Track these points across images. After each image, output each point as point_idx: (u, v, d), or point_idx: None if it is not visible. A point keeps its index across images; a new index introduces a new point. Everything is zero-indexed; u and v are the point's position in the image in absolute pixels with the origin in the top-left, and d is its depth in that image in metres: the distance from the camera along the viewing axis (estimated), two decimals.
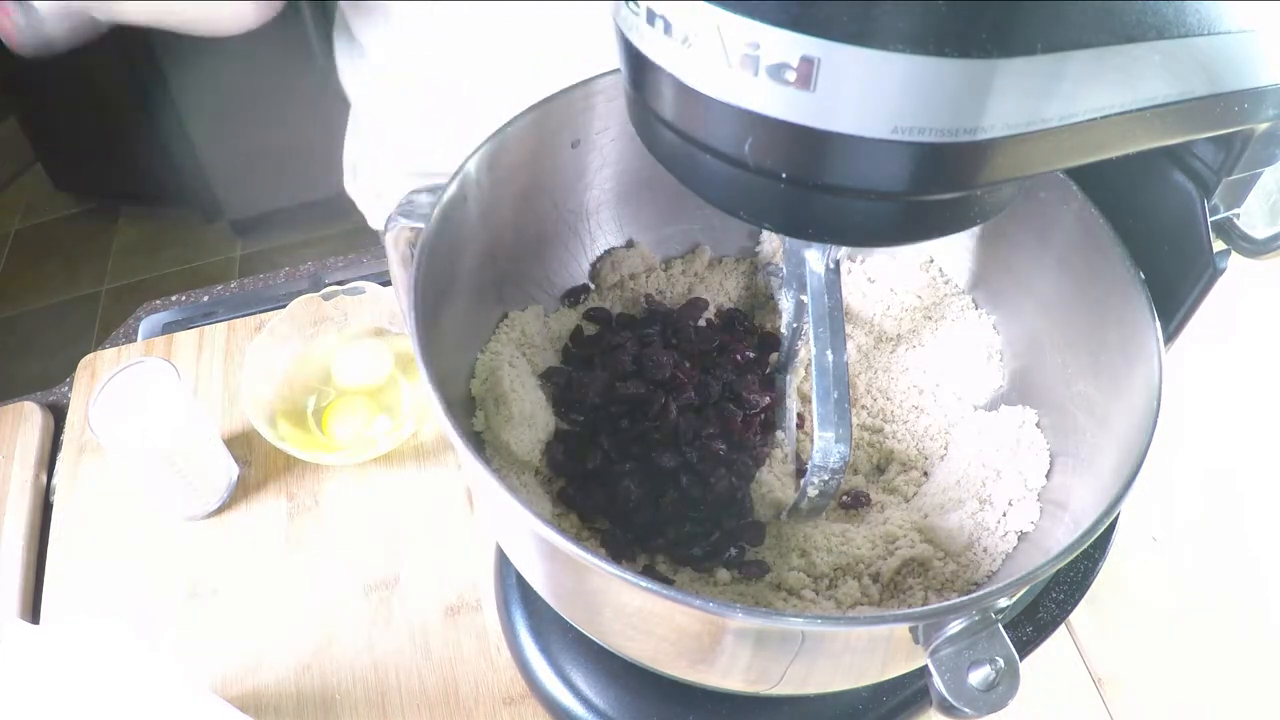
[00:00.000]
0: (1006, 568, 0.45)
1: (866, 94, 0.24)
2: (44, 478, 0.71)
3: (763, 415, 0.53)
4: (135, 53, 1.83)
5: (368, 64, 0.84)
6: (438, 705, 0.57)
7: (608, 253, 0.58)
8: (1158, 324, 0.39)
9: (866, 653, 0.37)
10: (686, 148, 0.30)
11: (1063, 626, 0.49)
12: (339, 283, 0.71)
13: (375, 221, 0.96)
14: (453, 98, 0.82)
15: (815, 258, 0.44)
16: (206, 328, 0.78)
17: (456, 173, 0.44)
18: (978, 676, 0.31)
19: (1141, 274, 0.40)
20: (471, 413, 0.49)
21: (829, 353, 0.43)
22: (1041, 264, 0.48)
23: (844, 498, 0.50)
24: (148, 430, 0.60)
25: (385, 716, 0.57)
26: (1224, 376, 0.73)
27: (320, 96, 1.02)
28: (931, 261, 0.56)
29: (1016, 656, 0.32)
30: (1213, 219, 0.37)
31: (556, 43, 0.79)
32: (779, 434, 0.53)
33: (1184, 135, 0.30)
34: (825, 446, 0.42)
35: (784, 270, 0.55)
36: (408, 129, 0.86)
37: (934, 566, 0.45)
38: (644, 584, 0.31)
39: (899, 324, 0.56)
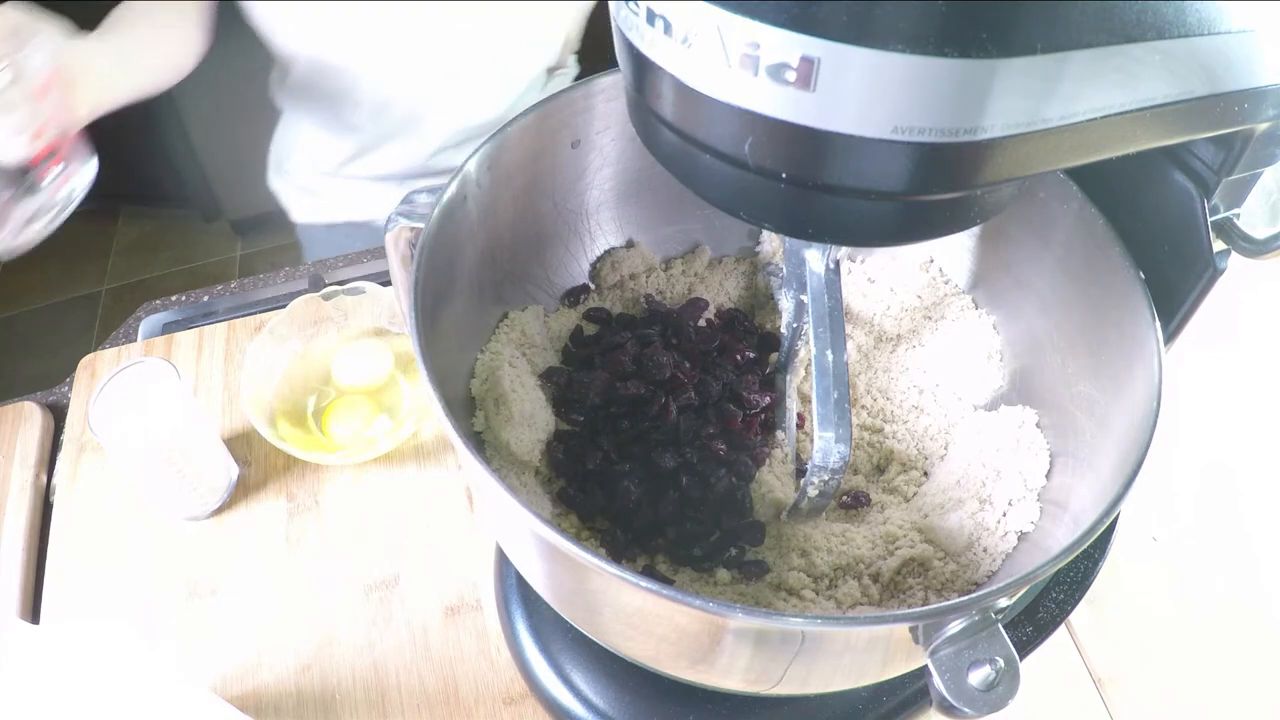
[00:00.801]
0: (1006, 568, 0.45)
1: (866, 94, 0.24)
2: (44, 478, 0.71)
3: (763, 415, 0.53)
4: None
5: (279, 66, 0.89)
6: (438, 705, 0.57)
7: (608, 253, 0.58)
8: (1158, 324, 0.39)
9: (866, 653, 0.37)
10: (687, 148, 0.30)
11: (1063, 626, 0.49)
12: (339, 283, 0.71)
13: (296, 215, 1.03)
14: (348, 101, 0.86)
15: (815, 258, 0.44)
16: (206, 328, 0.78)
17: (456, 173, 0.44)
18: (978, 676, 0.31)
19: (1141, 274, 0.40)
20: (471, 413, 0.49)
21: (829, 353, 0.43)
22: (1041, 264, 0.48)
23: (844, 498, 0.50)
24: (148, 430, 0.60)
25: (385, 716, 0.57)
26: (1224, 376, 0.73)
27: None
28: (931, 261, 0.56)
29: (1016, 656, 0.32)
30: (1213, 219, 0.37)
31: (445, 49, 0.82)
32: (779, 434, 0.53)
33: (1184, 135, 0.30)
34: (825, 446, 0.42)
35: (784, 270, 0.55)
36: (317, 129, 0.92)
37: (934, 566, 0.45)
38: (644, 584, 0.31)
39: (899, 324, 0.56)
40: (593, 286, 0.58)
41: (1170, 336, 0.40)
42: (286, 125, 0.97)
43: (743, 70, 0.25)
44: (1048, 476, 0.46)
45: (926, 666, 0.32)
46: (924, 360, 0.55)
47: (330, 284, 0.72)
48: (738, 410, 0.52)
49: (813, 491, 0.44)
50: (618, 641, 0.42)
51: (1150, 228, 0.40)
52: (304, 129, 0.94)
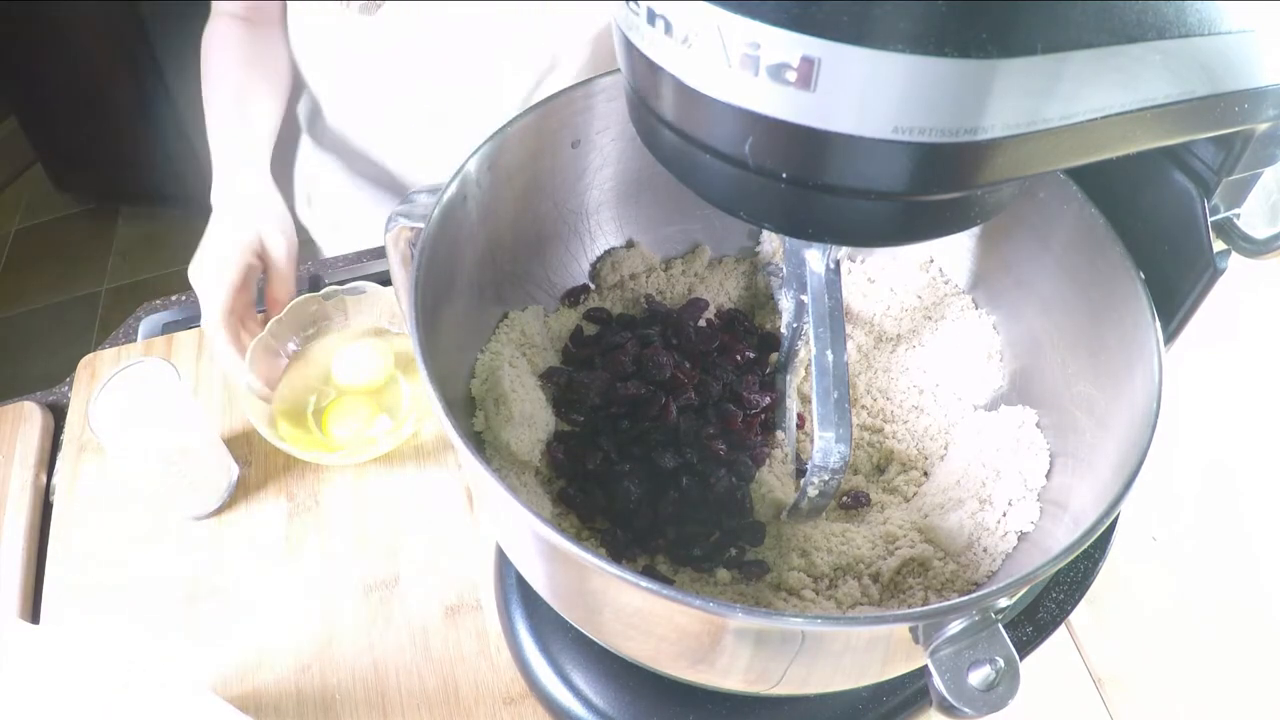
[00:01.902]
0: (1006, 568, 0.45)
1: (867, 94, 0.24)
2: (44, 478, 0.71)
3: (763, 415, 0.53)
4: (136, 52, 1.83)
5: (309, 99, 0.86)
6: (438, 705, 0.57)
7: (608, 253, 0.58)
8: (1157, 324, 0.39)
9: (866, 653, 0.37)
10: (687, 148, 0.30)
11: (1063, 626, 0.49)
12: (339, 283, 0.71)
13: (330, 250, 0.98)
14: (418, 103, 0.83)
15: (815, 258, 0.44)
16: None
17: (456, 173, 0.44)
18: (978, 676, 0.31)
19: (1141, 274, 0.40)
20: (471, 413, 0.49)
21: (829, 353, 0.43)
22: (1041, 264, 0.48)
23: (844, 498, 0.50)
24: (148, 430, 0.60)
25: (385, 716, 0.57)
26: (1224, 377, 0.73)
27: None
28: (931, 261, 0.56)
29: (1016, 656, 0.32)
30: (1213, 219, 0.37)
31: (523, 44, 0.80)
32: (779, 434, 0.53)
33: (1184, 135, 0.30)
34: (825, 446, 0.42)
35: (784, 270, 0.55)
36: (372, 139, 0.88)
37: (934, 566, 0.45)
38: (644, 584, 0.31)
39: (899, 324, 0.56)
40: (593, 286, 0.58)
41: (1170, 336, 0.40)
42: (310, 154, 0.93)
43: (743, 70, 0.25)
44: (1048, 476, 0.46)
45: (926, 666, 0.32)
46: (924, 360, 0.55)
47: (330, 284, 0.72)
48: (738, 410, 0.52)
49: (813, 491, 0.44)
50: (618, 641, 0.42)
51: (1150, 228, 0.40)
52: (328, 164, 0.92)
